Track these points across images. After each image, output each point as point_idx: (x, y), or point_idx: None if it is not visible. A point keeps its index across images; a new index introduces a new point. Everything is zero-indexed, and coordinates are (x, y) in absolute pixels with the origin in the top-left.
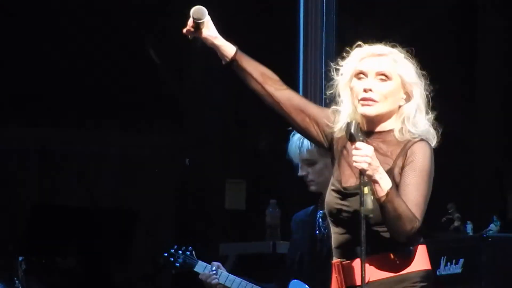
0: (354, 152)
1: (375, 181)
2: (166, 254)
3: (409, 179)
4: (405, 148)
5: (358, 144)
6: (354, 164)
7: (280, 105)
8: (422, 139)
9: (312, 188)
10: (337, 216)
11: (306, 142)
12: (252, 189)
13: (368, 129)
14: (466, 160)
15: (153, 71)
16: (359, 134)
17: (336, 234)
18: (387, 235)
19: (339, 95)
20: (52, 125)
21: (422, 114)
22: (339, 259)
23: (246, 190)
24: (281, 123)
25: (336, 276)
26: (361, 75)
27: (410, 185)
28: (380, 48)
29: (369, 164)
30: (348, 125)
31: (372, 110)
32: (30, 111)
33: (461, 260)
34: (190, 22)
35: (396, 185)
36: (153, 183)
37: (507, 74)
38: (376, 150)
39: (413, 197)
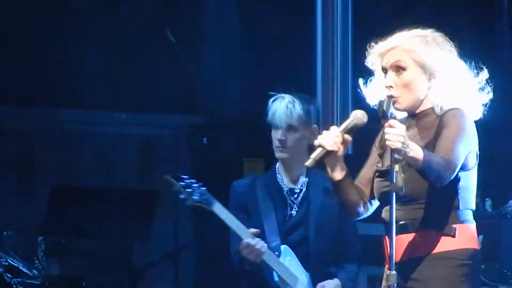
0: (387, 130)
1: (409, 157)
2: (182, 184)
3: (442, 135)
4: (442, 119)
5: (392, 121)
6: (387, 142)
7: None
8: (453, 109)
9: (282, 154)
10: (385, 196)
11: (298, 108)
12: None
13: (410, 113)
14: (485, 136)
15: (171, 52)
16: (391, 112)
17: (385, 212)
18: (430, 212)
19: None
20: (71, 107)
21: (459, 86)
22: (387, 235)
23: (264, 169)
24: None
25: (388, 249)
26: (384, 71)
27: (442, 139)
28: (390, 40)
29: (403, 143)
30: (381, 102)
31: (400, 106)
32: (53, 93)
33: (480, 237)
34: (341, 131)
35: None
36: (172, 162)
37: None
38: (416, 128)
39: (444, 143)
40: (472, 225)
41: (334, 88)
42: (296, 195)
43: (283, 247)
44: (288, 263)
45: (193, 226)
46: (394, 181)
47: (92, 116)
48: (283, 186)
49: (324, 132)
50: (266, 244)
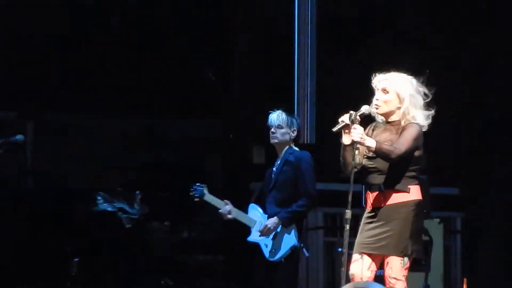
0: (352, 130)
1: (366, 146)
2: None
3: (400, 137)
4: (404, 128)
5: (355, 125)
6: (352, 137)
7: None
8: (411, 122)
9: (274, 141)
10: (367, 169)
11: (283, 116)
12: (271, 151)
13: (387, 120)
14: None
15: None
16: (356, 119)
17: (366, 177)
18: (393, 178)
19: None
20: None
21: (417, 110)
22: (368, 191)
23: (265, 151)
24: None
25: (368, 200)
26: (376, 88)
27: (399, 138)
28: (387, 75)
29: (361, 137)
30: (350, 114)
31: (378, 111)
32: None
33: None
34: (349, 118)
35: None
36: (211, 150)
37: None
38: (389, 131)
39: (399, 142)
40: (418, 186)
41: (305, 107)
42: (277, 167)
43: (250, 205)
44: (251, 213)
45: None
46: (356, 159)
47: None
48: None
49: (345, 114)
50: (229, 208)
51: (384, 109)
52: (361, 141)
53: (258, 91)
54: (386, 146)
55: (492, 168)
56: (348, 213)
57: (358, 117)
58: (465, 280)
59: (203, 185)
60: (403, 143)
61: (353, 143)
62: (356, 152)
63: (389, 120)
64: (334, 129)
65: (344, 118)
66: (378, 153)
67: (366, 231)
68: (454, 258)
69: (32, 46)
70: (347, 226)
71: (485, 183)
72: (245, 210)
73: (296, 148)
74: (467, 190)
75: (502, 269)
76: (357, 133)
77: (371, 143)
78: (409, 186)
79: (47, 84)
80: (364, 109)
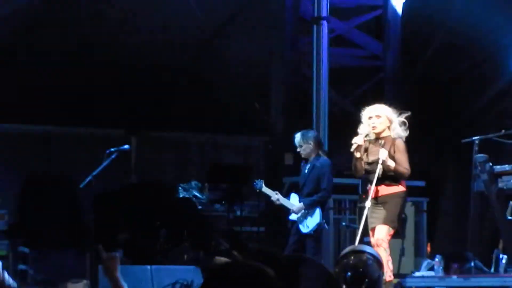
0: (381, 151)
1: (386, 163)
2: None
3: (398, 155)
4: (394, 142)
5: (381, 149)
6: (380, 156)
7: None
8: (399, 138)
9: (302, 154)
10: (367, 171)
11: (298, 137)
12: (298, 156)
13: (380, 136)
14: None
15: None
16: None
17: (367, 175)
18: (390, 178)
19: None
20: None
21: (400, 128)
22: (370, 186)
23: (293, 156)
24: None
25: (370, 192)
26: (370, 117)
27: (399, 158)
28: (373, 106)
29: (386, 156)
30: (360, 135)
31: (375, 131)
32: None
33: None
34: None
35: (392, 157)
36: (255, 158)
37: None
38: (380, 145)
39: (402, 162)
40: (404, 181)
41: (321, 124)
42: (307, 170)
43: (291, 194)
44: (292, 200)
45: None
46: (379, 170)
47: (220, 139)
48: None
49: (356, 137)
50: (278, 197)
51: (379, 129)
52: (385, 160)
53: (288, 114)
54: (401, 168)
55: (446, 168)
56: (368, 203)
57: (365, 138)
58: (428, 244)
59: (261, 180)
60: (406, 162)
61: (375, 160)
62: (380, 166)
63: (381, 136)
64: (352, 149)
65: (357, 140)
66: (395, 171)
67: (371, 213)
68: (421, 229)
69: (137, 79)
70: (366, 210)
71: (442, 179)
72: (287, 198)
73: (322, 155)
74: (430, 183)
75: (452, 235)
76: (383, 154)
77: (391, 163)
78: (399, 182)
79: (147, 108)
80: (367, 131)
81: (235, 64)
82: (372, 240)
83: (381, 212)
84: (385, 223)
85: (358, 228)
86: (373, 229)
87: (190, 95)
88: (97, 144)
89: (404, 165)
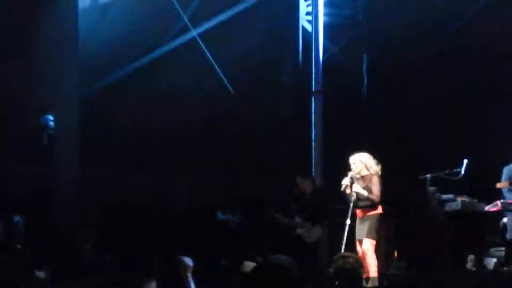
0: (354, 187)
1: (360, 194)
2: None
3: (373, 188)
4: (371, 179)
5: (354, 185)
6: (354, 190)
7: None
8: (375, 175)
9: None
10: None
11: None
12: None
13: (360, 176)
14: None
15: None
16: (350, 179)
17: (355, 202)
18: (367, 205)
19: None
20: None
21: (374, 166)
22: (356, 209)
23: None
24: None
25: (358, 212)
26: (352, 163)
27: (373, 189)
28: (352, 156)
29: (359, 191)
30: (347, 178)
31: (355, 172)
32: None
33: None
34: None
35: (369, 189)
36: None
37: None
38: (362, 181)
39: (374, 192)
40: (380, 205)
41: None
42: None
43: None
44: None
45: None
46: (352, 198)
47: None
48: None
49: (344, 178)
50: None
51: (357, 170)
52: (358, 192)
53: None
54: (372, 197)
55: (410, 197)
56: (348, 221)
57: (351, 179)
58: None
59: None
60: (377, 192)
61: (353, 191)
62: (354, 194)
63: (362, 174)
64: (342, 188)
65: (344, 181)
66: (368, 199)
67: (358, 228)
68: (391, 240)
69: None
70: (347, 226)
71: (407, 205)
72: None
73: None
74: (399, 207)
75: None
76: (358, 188)
77: (364, 193)
78: (375, 208)
79: None
80: (352, 174)
81: None
82: (359, 249)
83: (364, 228)
84: (367, 236)
85: (343, 238)
86: (360, 240)
87: None
88: None
89: (376, 194)
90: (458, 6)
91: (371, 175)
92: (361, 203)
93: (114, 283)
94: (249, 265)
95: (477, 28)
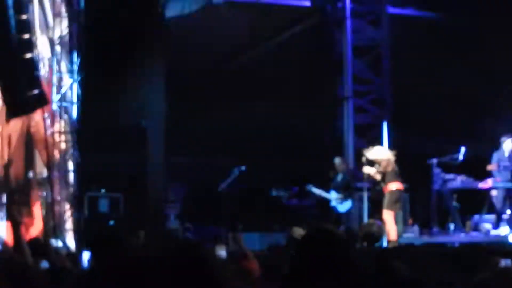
0: (367, 168)
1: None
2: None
3: (387, 170)
4: (385, 165)
5: (366, 167)
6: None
7: None
8: (387, 160)
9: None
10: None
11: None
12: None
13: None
14: None
15: None
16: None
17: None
18: (381, 184)
19: None
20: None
21: (387, 156)
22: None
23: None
24: None
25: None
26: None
27: (386, 173)
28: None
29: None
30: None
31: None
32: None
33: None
34: None
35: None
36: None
37: None
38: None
39: (388, 175)
40: (399, 184)
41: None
42: None
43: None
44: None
45: None
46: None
47: None
48: None
49: (366, 167)
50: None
51: (377, 161)
52: (374, 174)
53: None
54: (384, 178)
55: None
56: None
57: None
58: (411, 218)
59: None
60: (390, 176)
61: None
62: (378, 176)
63: (378, 162)
64: (366, 176)
65: (366, 170)
66: (382, 180)
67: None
68: (406, 210)
69: None
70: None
71: (417, 183)
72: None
73: None
74: (411, 185)
75: (423, 213)
76: (370, 170)
77: (378, 176)
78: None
79: None
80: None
81: None
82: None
83: (385, 201)
84: (386, 208)
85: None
86: (383, 211)
87: None
88: None
89: (388, 176)
90: None
91: (386, 161)
92: (381, 184)
93: (191, 244)
94: (297, 230)
95: None
